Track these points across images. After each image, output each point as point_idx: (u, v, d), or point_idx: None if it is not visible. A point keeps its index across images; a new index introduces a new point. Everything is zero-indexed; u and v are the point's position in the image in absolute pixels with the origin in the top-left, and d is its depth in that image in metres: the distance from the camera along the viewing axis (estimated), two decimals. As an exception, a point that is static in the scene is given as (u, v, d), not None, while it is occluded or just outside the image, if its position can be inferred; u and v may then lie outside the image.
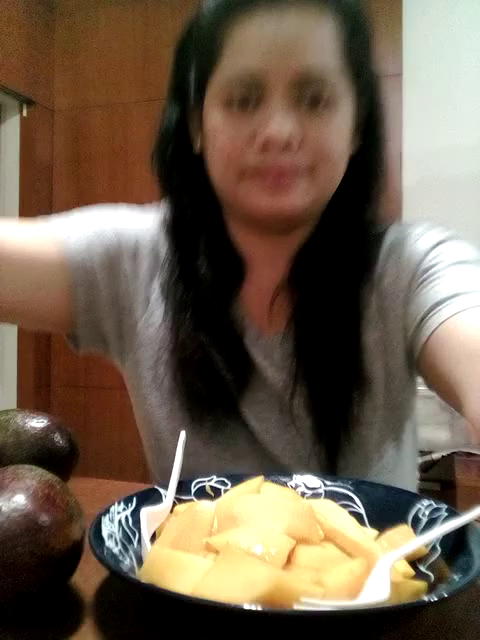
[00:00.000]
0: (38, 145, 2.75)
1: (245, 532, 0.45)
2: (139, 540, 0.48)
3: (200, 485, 0.57)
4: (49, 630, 0.41)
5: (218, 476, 0.57)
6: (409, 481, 0.87)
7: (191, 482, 0.56)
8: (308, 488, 0.56)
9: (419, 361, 0.70)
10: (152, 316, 0.80)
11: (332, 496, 0.55)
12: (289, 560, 0.43)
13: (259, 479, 0.55)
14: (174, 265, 0.78)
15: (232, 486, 0.56)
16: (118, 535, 0.47)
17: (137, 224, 0.83)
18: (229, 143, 0.68)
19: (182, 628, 0.41)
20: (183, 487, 0.55)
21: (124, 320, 0.81)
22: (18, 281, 0.72)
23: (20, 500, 0.43)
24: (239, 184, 0.69)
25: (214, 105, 0.69)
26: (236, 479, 0.56)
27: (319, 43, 0.66)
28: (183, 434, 0.60)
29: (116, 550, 0.45)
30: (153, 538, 0.49)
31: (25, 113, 2.71)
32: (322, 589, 0.39)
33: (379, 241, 0.78)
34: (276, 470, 0.59)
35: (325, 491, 0.56)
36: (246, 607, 0.34)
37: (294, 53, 0.65)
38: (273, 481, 0.55)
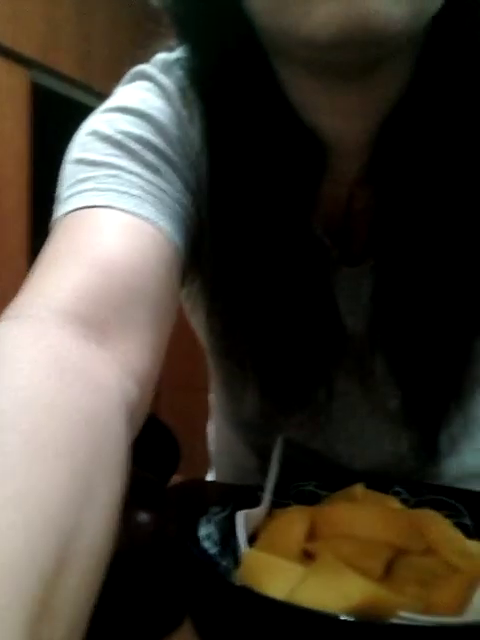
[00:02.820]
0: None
1: (343, 540, 0.44)
2: (236, 542, 0.48)
3: (299, 489, 0.56)
4: (153, 628, 0.42)
5: (317, 481, 0.56)
6: None
7: (289, 485, 0.56)
8: (410, 496, 0.54)
9: None
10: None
11: (436, 505, 0.52)
12: (389, 571, 0.42)
13: (359, 486, 0.54)
14: (218, 150, 0.50)
15: (331, 492, 0.55)
16: (216, 536, 0.47)
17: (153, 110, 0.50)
18: None
19: (277, 634, 0.40)
20: (281, 490, 0.54)
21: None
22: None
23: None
24: None
25: None
26: (335, 485, 0.55)
27: None
28: (281, 439, 0.59)
29: (213, 551, 0.45)
30: (250, 541, 0.48)
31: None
32: (423, 603, 0.37)
33: None
34: (376, 477, 0.57)
35: (428, 500, 0.54)
36: (343, 617, 0.33)
37: None
38: (374, 488, 0.54)
